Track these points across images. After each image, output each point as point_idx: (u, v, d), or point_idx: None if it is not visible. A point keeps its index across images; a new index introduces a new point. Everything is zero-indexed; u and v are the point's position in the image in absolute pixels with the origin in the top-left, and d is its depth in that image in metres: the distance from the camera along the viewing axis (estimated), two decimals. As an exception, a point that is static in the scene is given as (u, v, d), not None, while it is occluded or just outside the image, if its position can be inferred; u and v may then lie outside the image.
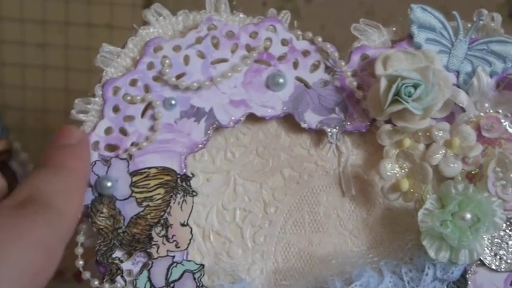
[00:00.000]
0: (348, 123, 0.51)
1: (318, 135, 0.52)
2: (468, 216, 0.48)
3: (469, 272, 0.51)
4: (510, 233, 0.51)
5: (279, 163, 0.52)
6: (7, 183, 0.62)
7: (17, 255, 0.39)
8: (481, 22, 0.51)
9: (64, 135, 0.47)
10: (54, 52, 0.83)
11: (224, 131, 0.51)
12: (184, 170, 0.50)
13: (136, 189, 0.49)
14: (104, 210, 0.48)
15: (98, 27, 0.82)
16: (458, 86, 0.51)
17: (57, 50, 0.83)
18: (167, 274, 0.49)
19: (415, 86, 0.48)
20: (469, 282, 0.51)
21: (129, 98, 0.49)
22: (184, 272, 0.49)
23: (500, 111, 0.51)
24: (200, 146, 0.50)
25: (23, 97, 0.82)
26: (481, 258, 0.51)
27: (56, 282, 0.57)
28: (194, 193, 0.50)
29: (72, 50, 0.83)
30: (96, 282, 0.48)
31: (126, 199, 0.48)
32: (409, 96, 0.48)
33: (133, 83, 0.49)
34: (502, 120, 0.51)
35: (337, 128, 0.51)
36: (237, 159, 0.52)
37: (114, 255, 0.48)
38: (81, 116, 0.50)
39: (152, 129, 0.49)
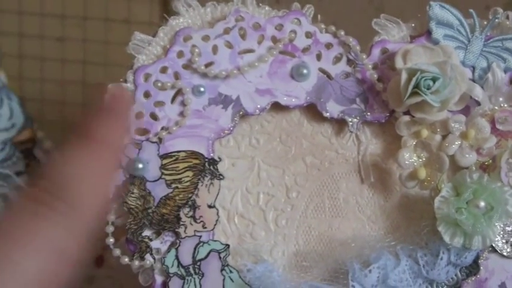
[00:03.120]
0: (368, 113, 0.53)
1: (339, 124, 0.54)
2: (482, 204, 0.51)
3: (481, 257, 0.53)
4: (521, 221, 0.54)
5: (301, 150, 0.54)
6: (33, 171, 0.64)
7: (23, 264, 0.35)
8: (496, 20, 0.54)
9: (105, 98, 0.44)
10: (72, 46, 0.84)
11: (249, 119, 0.54)
12: (211, 155, 0.52)
13: (165, 172, 0.51)
14: (135, 190, 0.50)
15: (115, 22, 0.84)
16: (473, 80, 0.54)
17: (75, 43, 0.84)
18: (194, 253, 0.51)
19: (434, 80, 0.50)
20: (481, 268, 0.53)
21: (159, 84, 0.51)
22: (210, 251, 0.51)
23: (513, 105, 0.54)
24: (227, 132, 0.52)
25: (41, 89, 0.84)
26: (493, 245, 0.53)
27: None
28: (221, 176, 0.52)
29: (90, 44, 0.84)
30: (126, 259, 0.50)
31: (156, 180, 0.50)
32: (428, 89, 0.50)
33: (163, 70, 0.52)
34: (515, 114, 0.53)
35: (358, 118, 0.53)
36: (261, 146, 0.54)
37: (143, 234, 0.50)
38: (113, 101, 0.51)
39: (181, 114, 0.52)
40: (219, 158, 0.52)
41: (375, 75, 0.53)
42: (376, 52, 0.54)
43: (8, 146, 0.63)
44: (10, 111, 0.64)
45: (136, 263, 0.50)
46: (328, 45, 0.54)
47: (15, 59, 0.83)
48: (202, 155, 0.51)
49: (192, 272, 0.50)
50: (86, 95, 0.84)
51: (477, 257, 0.53)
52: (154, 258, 0.50)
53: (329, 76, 0.54)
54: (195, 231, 0.51)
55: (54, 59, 0.84)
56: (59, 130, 0.80)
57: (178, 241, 0.51)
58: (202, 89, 0.52)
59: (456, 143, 0.52)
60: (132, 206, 0.50)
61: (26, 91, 0.79)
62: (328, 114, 0.53)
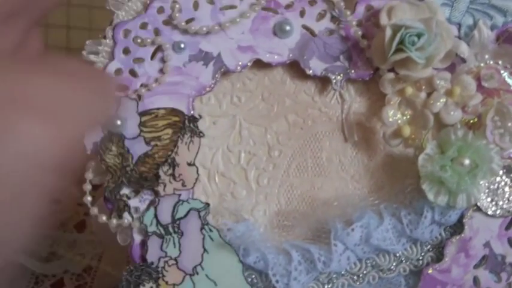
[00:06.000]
0: (352, 71, 0.52)
1: (322, 82, 0.53)
2: (467, 161, 0.50)
3: (466, 216, 0.53)
4: (506, 180, 0.53)
5: (284, 109, 0.53)
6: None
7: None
8: (483, -24, 0.53)
9: None
10: (55, 12, 0.83)
11: (231, 76, 0.53)
12: (192, 112, 0.51)
13: (144, 129, 0.50)
14: (113, 148, 0.49)
15: (98, -15, 0.83)
16: (459, 38, 0.53)
17: (59, 9, 0.83)
18: (173, 211, 0.50)
19: (419, 36, 0.49)
20: (465, 227, 0.53)
21: (139, 40, 0.50)
22: (190, 210, 0.50)
23: (500, 62, 0.52)
24: (208, 89, 0.51)
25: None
26: (478, 204, 0.52)
27: (57, 232, 0.59)
28: (201, 134, 0.51)
29: (73, 8, 0.83)
30: (104, 218, 0.49)
31: (134, 138, 0.49)
32: (413, 45, 0.49)
33: (143, 26, 0.50)
34: (502, 71, 0.52)
35: (342, 75, 0.52)
36: (242, 104, 0.53)
37: (121, 192, 0.49)
38: (92, 57, 0.51)
39: (161, 71, 0.51)
40: (200, 116, 0.51)
41: (359, 32, 0.52)
42: (361, 9, 0.53)
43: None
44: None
45: (114, 221, 0.49)
46: (312, 2, 0.52)
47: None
48: (182, 112, 0.50)
49: (171, 230, 0.50)
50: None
51: (461, 216, 0.53)
52: (132, 217, 0.50)
53: (312, 33, 0.52)
54: (174, 189, 0.50)
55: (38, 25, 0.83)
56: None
57: (157, 199, 0.50)
58: (182, 46, 0.51)
59: (441, 100, 0.51)
60: (110, 164, 0.49)
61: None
62: (311, 71, 0.52)
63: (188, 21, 0.51)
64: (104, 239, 0.63)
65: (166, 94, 0.50)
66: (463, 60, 0.52)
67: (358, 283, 0.52)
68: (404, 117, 0.52)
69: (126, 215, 0.49)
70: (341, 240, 0.50)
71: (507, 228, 0.54)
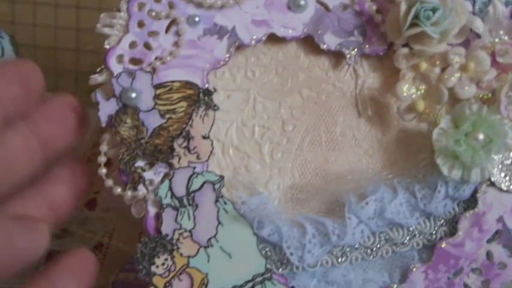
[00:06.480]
0: (366, 46, 0.53)
1: (336, 57, 0.53)
2: (481, 136, 0.50)
3: (479, 191, 0.53)
4: (521, 155, 0.53)
5: (298, 83, 0.53)
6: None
7: None
8: (499, -49, 0.53)
9: None
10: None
11: (245, 50, 0.53)
12: (206, 85, 0.51)
13: (159, 102, 0.50)
14: (128, 120, 0.49)
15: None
16: (474, 13, 0.53)
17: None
18: (188, 184, 0.50)
19: (434, 10, 0.49)
20: (479, 201, 0.53)
21: (153, 13, 0.50)
22: (204, 182, 0.50)
23: (514, 38, 0.53)
24: (222, 63, 0.51)
25: (33, 35, 0.83)
26: (492, 178, 0.52)
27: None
28: (216, 107, 0.51)
29: (83, -12, 0.83)
30: (119, 190, 0.49)
31: (149, 111, 0.49)
32: (428, 20, 0.49)
33: (158, -1, 0.50)
34: (516, 47, 0.52)
35: (356, 50, 0.53)
36: (256, 78, 0.53)
37: (136, 165, 0.49)
38: (106, 30, 0.51)
39: (176, 44, 0.51)
40: (214, 89, 0.51)
41: (374, 7, 0.52)
42: (376, -16, 0.53)
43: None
44: (1, 49, 0.63)
45: (129, 193, 0.49)
46: (326, -24, 0.52)
47: (7, 2, 0.82)
48: (196, 85, 0.50)
49: (186, 203, 0.50)
50: (79, 40, 0.82)
51: (475, 191, 0.53)
52: (147, 189, 0.49)
53: (327, 8, 0.52)
54: (189, 162, 0.50)
55: (47, 3, 0.83)
56: (52, 76, 0.79)
57: (171, 172, 0.50)
58: (197, 19, 0.51)
59: (456, 75, 0.51)
60: (125, 136, 0.49)
61: (17, 37, 0.77)
62: (325, 46, 0.52)
63: (203, -5, 0.51)
64: (115, 214, 0.63)
65: (180, 67, 0.50)
66: (478, 36, 0.52)
67: (371, 257, 0.53)
68: (419, 92, 0.52)
69: (141, 187, 0.49)
70: (355, 214, 0.51)
71: (521, 203, 0.54)
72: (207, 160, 0.50)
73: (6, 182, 0.46)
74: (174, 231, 0.49)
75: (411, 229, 0.53)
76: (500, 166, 0.53)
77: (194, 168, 0.50)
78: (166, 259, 0.49)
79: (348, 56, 0.53)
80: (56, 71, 0.81)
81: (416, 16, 0.50)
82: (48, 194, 0.49)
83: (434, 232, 0.53)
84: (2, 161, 0.45)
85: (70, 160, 0.50)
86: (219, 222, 0.50)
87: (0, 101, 0.45)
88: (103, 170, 0.50)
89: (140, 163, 0.50)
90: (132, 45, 0.50)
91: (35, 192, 0.49)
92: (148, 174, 0.50)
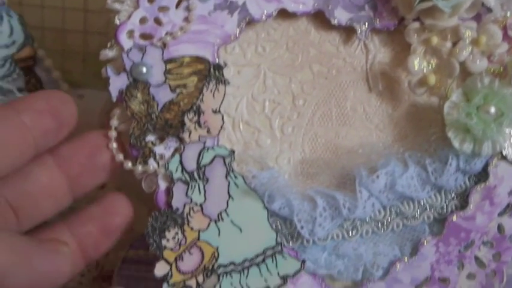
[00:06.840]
0: (377, 20, 0.52)
1: (347, 32, 0.53)
2: (492, 109, 0.50)
3: (491, 165, 0.53)
4: (532, 129, 0.53)
5: (308, 58, 0.53)
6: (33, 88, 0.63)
7: None
8: None
9: None
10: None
11: (255, 26, 0.52)
12: (217, 60, 0.51)
13: (170, 76, 0.50)
14: (138, 95, 0.49)
15: None
16: (485, -13, 0.52)
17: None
18: (198, 158, 0.50)
19: (445, -16, 0.49)
20: (490, 175, 0.53)
21: (164, -12, 0.50)
22: (215, 156, 0.50)
23: (526, 12, 0.52)
24: (232, 38, 0.51)
25: (41, 16, 0.83)
26: (503, 152, 0.52)
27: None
28: (226, 82, 0.51)
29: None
30: (130, 164, 0.49)
31: (160, 85, 0.49)
32: (439, -7, 0.49)
33: (168, -26, 0.50)
34: (528, 21, 0.52)
35: (366, 25, 0.52)
36: (267, 54, 0.53)
37: (147, 139, 0.49)
38: (117, 5, 0.50)
39: (186, 19, 0.50)
40: (225, 63, 0.51)
41: (385, -19, 0.52)
42: (387, -42, 0.52)
43: (9, 63, 0.62)
44: (10, 28, 0.63)
45: (140, 168, 0.49)
46: (337, -49, 0.52)
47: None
48: (207, 60, 0.50)
49: (197, 177, 0.50)
50: (87, 22, 0.82)
51: (486, 165, 0.53)
52: (158, 163, 0.49)
53: (337, -18, 0.52)
54: (199, 136, 0.50)
55: (55, -14, 0.83)
56: (60, 58, 0.79)
57: (182, 146, 0.50)
58: (207, -6, 0.51)
59: (467, 49, 0.51)
60: (136, 111, 0.49)
61: (26, 18, 0.77)
62: (336, 21, 0.52)
63: (213, -30, 0.51)
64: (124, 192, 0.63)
65: (191, 42, 0.50)
66: (489, 10, 0.52)
67: (382, 230, 0.53)
68: (430, 66, 0.52)
69: (151, 161, 0.49)
70: (366, 187, 0.51)
71: (532, 176, 0.54)
72: (217, 134, 0.50)
73: (34, 219, 0.46)
74: (184, 205, 0.49)
75: (422, 203, 0.53)
76: (511, 139, 0.52)
77: (205, 142, 0.50)
78: (176, 233, 0.49)
79: (359, 31, 0.52)
80: (64, 52, 0.81)
81: (427, -10, 0.49)
82: (78, 234, 0.48)
83: (445, 205, 0.53)
84: (29, 197, 0.45)
85: (103, 198, 0.50)
86: (230, 196, 0.50)
87: (31, 135, 0.44)
88: (114, 145, 0.50)
89: (151, 137, 0.50)
90: (143, 20, 0.50)
91: (65, 229, 0.48)
92: (159, 149, 0.50)
